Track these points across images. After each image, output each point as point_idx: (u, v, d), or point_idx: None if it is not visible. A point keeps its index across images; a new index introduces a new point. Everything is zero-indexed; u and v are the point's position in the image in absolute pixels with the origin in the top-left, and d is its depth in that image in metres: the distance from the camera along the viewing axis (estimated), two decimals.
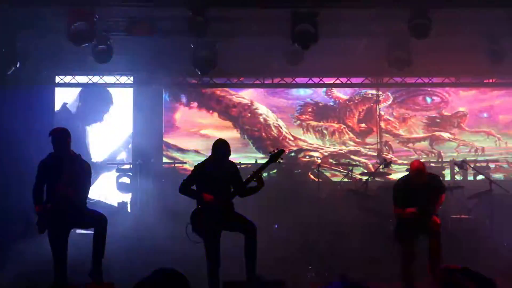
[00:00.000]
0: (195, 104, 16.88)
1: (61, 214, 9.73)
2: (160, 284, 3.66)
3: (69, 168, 9.88)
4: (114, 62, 15.14)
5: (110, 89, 16.89)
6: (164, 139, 16.64)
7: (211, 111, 16.88)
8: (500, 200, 14.58)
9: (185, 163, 16.59)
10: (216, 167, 10.32)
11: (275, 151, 10.59)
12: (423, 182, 10.92)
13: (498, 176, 16.59)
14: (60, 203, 9.75)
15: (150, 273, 3.77)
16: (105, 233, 10.00)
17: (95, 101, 16.85)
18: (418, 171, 10.88)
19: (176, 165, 16.64)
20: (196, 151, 16.63)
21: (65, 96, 16.76)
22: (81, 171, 9.99)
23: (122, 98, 16.85)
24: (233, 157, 15.33)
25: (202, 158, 16.06)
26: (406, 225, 10.94)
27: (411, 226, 10.87)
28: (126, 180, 15.65)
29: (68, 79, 16.58)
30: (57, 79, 16.57)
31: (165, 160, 16.63)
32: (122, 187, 15.49)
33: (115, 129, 16.71)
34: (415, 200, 10.89)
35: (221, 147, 10.42)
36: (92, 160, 16.11)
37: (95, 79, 16.54)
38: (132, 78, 16.63)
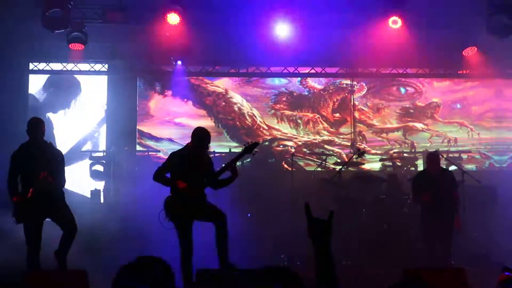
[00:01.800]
0: (169, 92, 16.82)
1: (39, 203, 9.93)
2: (144, 269, 3.66)
3: (45, 156, 10.10)
4: (89, 49, 15.12)
5: (84, 77, 16.77)
6: (138, 127, 16.57)
7: (185, 100, 16.83)
8: (472, 191, 14.68)
9: (159, 151, 16.54)
10: (193, 156, 10.28)
11: (250, 142, 10.55)
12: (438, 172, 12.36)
13: (470, 166, 16.69)
14: (42, 190, 9.94)
15: (134, 259, 3.76)
16: (73, 238, 10.25)
17: (62, 89, 16.70)
18: (433, 161, 12.33)
19: (150, 153, 16.59)
20: (170, 140, 16.59)
21: (38, 83, 16.63)
22: (55, 159, 10.24)
23: (96, 85, 16.74)
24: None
25: (176, 147, 16.14)
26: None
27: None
28: (99, 168, 15.59)
29: (42, 66, 16.48)
30: (31, 66, 16.47)
31: (139, 148, 16.58)
32: (95, 175, 15.43)
33: (88, 117, 16.59)
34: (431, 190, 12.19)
35: (205, 136, 10.34)
36: None
37: (70, 66, 16.46)
38: (106, 65, 16.56)
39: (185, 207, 10.08)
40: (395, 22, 14.54)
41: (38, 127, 10.27)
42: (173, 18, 14.21)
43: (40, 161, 10.07)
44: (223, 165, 10.39)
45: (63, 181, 10.43)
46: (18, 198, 10.02)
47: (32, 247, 10.09)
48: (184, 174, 10.14)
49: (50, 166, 10.17)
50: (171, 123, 16.70)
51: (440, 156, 15.72)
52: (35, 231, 10.10)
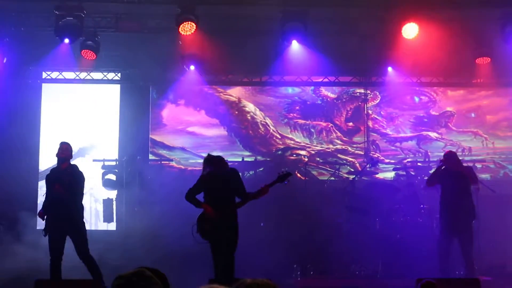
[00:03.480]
0: (182, 101, 16.79)
1: (57, 220, 10.89)
2: (140, 279, 3.64)
3: (65, 177, 11.03)
4: (102, 58, 15.14)
5: (98, 86, 16.78)
6: (151, 136, 16.54)
7: (198, 109, 16.80)
8: (487, 200, 14.61)
9: (172, 160, 16.53)
10: (213, 178, 10.89)
11: (285, 172, 11.07)
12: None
13: (485, 176, 16.58)
14: (53, 199, 10.93)
15: (132, 269, 3.75)
16: (93, 263, 10.98)
17: None
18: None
19: (162, 162, 16.57)
20: (183, 149, 16.57)
21: (52, 92, 16.64)
22: (74, 180, 11.08)
23: (109, 94, 16.73)
24: (220, 155, 15.39)
25: (189, 156, 16.23)
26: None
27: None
28: (112, 177, 15.61)
29: (55, 75, 16.49)
30: (44, 74, 16.49)
31: (151, 157, 16.56)
32: (107, 184, 15.44)
33: (102, 126, 16.59)
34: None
35: (208, 161, 11.12)
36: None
37: (82, 75, 16.47)
38: (119, 74, 16.56)
39: (212, 229, 10.70)
40: (408, 32, 14.49)
41: (61, 150, 11.27)
42: (187, 27, 14.20)
43: (57, 181, 11.00)
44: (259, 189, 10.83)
45: (78, 201, 11.20)
46: (39, 214, 11.12)
47: (54, 258, 10.88)
48: (211, 196, 10.91)
49: (66, 185, 10.96)
50: (184, 132, 16.67)
51: None
52: (55, 244, 10.90)
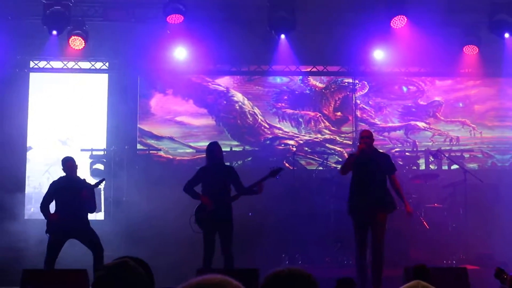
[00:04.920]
0: (170, 90, 16.74)
1: (64, 223, 11.43)
2: (123, 270, 3.63)
3: (76, 188, 11.60)
4: (90, 47, 15.08)
5: (85, 75, 16.71)
6: (139, 126, 16.49)
7: (186, 98, 16.75)
8: (474, 190, 14.68)
9: (160, 150, 16.50)
10: (212, 169, 11.61)
11: (276, 167, 11.76)
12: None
13: (472, 166, 16.64)
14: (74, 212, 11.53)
15: (116, 260, 3.74)
16: (103, 258, 11.43)
17: None
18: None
19: (151, 152, 16.55)
20: (171, 138, 16.52)
21: (39, 81, 16.56)
22: (84, 192, 11.57)
23: (97, 84, 16.67)
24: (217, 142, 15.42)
25: (177, 146, 16.19)
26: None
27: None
28: (100, 166, 15.61)
29: (42, 64, 16.41)
30: (32, 64, 16.41)
31: (139, 147, 16.52)
32: (95, 174, 15.41)
33: (90, 115, 16.53)
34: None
35: (212, 149, 11.82)
36: None
37: (70, 64, 16.38)
38: (107, 64, 16.50)
39: (210, 220, 11.32)
40: (397, 22, 14.50)
41: (72, 166, 11.86)
42: (174, 17, 14.16)
43: (69, 193, 11.55)
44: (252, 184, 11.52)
45: (91, 208, 11.89)
46: (52, 216, 11.63)
47: (49, 256, 11.41)
48: (208, 186, 11.56)
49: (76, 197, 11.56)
50: (172, 121, 16.63)
51: (442, 155, 15.80)
52: (60, 245, 11.54)
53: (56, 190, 11.77)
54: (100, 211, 15.26)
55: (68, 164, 11.83)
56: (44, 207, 11.69)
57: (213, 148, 11.80)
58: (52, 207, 11.83)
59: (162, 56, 15.68)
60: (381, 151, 12.24)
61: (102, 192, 15.45)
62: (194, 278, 3.10)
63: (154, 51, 15.47)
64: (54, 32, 14.11)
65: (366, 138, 11.17)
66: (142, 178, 15.03)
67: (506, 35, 14.83)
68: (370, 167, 11.08)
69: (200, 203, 11.53)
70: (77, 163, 12.02)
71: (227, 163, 13.12)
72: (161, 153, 16.45)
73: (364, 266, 11.00)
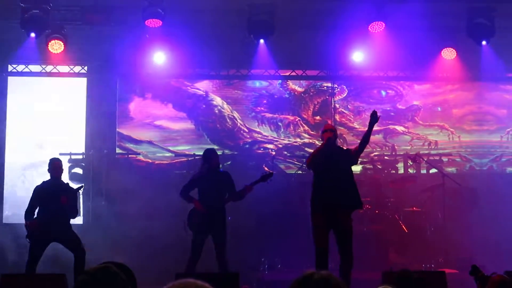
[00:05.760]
0: (149, 95, 16.71)
1: (46, 228, 11.49)
2: (105, 276, 3.62)
3: (58, 194, 11.63)
4: (68, 51, 15.02)
5: (64, 79, 16.63)
6: (118, 130, 16.45)
7: (165, 102, 16.73)
8: (453, 194, 14.75)
9: (139, 153, 16.46)
10: (208, 175, 11.84)
11: (267, 172, 12.45)
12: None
13: (450, 169, 16.72)
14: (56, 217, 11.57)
15: (98, 265, 3.74)
16: (84, 260, 11.47)
17: None
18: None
19: (129, 156, 16.51)
20: (150, 142, 16.48)
21: (17, 85, 16.47)
22: (65, 197, 11.63)
23: (76, 88, 16.59)
24: (188, 149, 15.44)
25: (156, 149, 16.18)
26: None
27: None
28: (78, 170, 15.57)
29: (21, 68, 16.32)
30: (10, 67, 16.32)
31: (118, 151, 16.48)
32: (74, 177, 15.35)
33: (68, 119, 16.44)
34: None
35: (210, 157, 12.04)
36: None
37: (49, 68, 16.31)
38: (86, 67, 16.44)
39: (202, 224, 11.57)
40: (375, 27, 14.55)
41: (59, 167, 11.97)
42: (153, 21, 14.14)
43: (54, 196, 11.58)
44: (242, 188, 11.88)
45: (73, 212, 11.93)
46: (32, 224, 11.59)
47: (31, 261, 11.47)
48: (204, 192, 11.80)
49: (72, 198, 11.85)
50: (151, 125, 16.60)
51: (421, 159, 15.87)
52: (42, 250, 11.58)
53: (40, 194, 11.77)
54: (79, 215, 15.21)
55: (55, 164, 11.91)
56: (29, 212, 11.73)
57: (210, 154, 12.05)
58: None
59: (141, 60, 15.63)
60: (344, 147, 12.20)
61: (81, 196, 15.38)
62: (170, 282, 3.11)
63: (133, 55, 15.42)
64: (33, 35, 14.06)
65: (330, 131, 10.74)
66: (121, 182, 14.97)
67: (484, 42, 14.94)
68: (334, 163, 10.49)
69: (193, 207, 11.75)
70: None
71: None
72: (140, 157, 16.41)
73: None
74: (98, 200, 15.29)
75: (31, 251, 11.52)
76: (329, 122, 16.52)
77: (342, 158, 10.66)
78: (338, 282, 3.37)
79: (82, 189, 12.49)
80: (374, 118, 10.45)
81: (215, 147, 16.11)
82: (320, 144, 14.86)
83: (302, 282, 3.34)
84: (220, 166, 12.70)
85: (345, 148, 11.66)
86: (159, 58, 15.63)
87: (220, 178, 11.87)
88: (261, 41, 14.90)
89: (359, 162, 14.37)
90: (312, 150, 16.09)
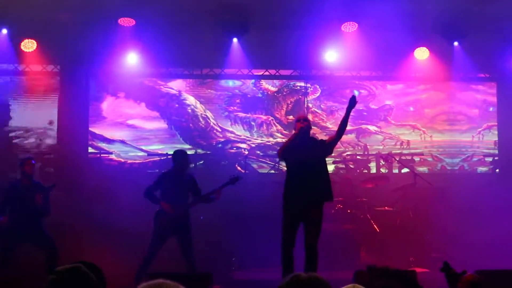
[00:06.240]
0: (122, 94, 16.67)
1: (18, 228, 11.51)
2: (75, 276, 3.61)
3: (30, 193, 11.65)
4: (41, 50, 14.95)
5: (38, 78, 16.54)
6: (90, 129, 16.39)
7: (138, 101, 16.69)
8: (424, 193, 14.82)
9: (111, 153, 16.41)
10: (175, 176, 11.80)
11: (235, 175, 12.01)
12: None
13: (422, 169, 16.81)
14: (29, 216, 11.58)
15: (69, 265, 3.73)
16: (57, 259, 11.40)
17: None
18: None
19: (102, 155, 16.45)
20: (123, 142, 16.44)
21: None
22: (38, 196, 11.66)
23: (48, 87, 16.50)
24: (161, 148, 15.40)
25: (128, 149, 16.10)
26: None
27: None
28: (50, 170, 15.49)
29: None
30: None
31: (91, 150, 16.41)
32: (46, 177, 15.26)
33: (41, 118, 16.35)
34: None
35: (181, 158, 11.95)
36: None
37: (21, 67, 16.21)
38: (58, 67, 16.35)
39: (166, 224, 11.55)
40: (348, 27, 14.61)
41: (32, 166, 11.94)
42: (126, 20, 14.11)
43: (26, 195, 11.61)
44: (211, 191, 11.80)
45: (46, 211, 11.83)
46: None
47: (1, 261, 11.43)
48: (167, 193, 11.70)
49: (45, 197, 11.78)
50: (124, 124, 16.55)
51: (393, 158, 15.94)
52: (6, 250, 11.52)
53: (13, 193, 11.72)
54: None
55: (28, 163, 11.90)
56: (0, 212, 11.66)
57: (177, 156, 11.98)
58: None
59: (114, 59, 15.58)
60: (319, 138, 11.57)
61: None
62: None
63: (106, 54, 15.36)
64: (4, 31, 14.01)
65: (302, 120, 10.47)
66: (93, 181, 14.91)
67: (456, 43, 15.05)
68: (306, 154, 10.19)
69: (159, 208, 11.69)
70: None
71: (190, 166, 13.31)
72: (113, 156, 16.36)
73: (291, 268, 10.12)
74: (70, 199, 15.20)
75: (1, 252, 11.50)
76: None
77: (314, 149, 10.34)
78: (327, 284, 3.40)
79: (53, 188, 12.40)
80: (352, 102, 10.24)
81: (188, 146, 16.17)
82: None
83: (291, 284, 3.36)
84: (192, 165, 12.66)
85: (319, 138, 11.31)
86: (132, 57, 15.61)
87: (185, 181, 11.82)
88: (235, 40, 14.94)
89: (331, 162, 14.49)
90: None
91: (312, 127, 14.84)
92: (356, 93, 10.53)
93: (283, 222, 10.32)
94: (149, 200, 11.74)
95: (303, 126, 10.32)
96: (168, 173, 11.94)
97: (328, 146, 10.50)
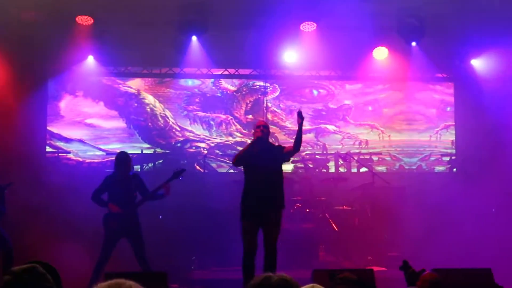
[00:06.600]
0: (80, 92, 16.55)
1: None
2: (31, 276, 3.58)
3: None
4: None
5: None
6: (48, 128, 16.25)
7: (97, 100, 16.59)
8: (382, 192, 14.92)
9: (69, 152, 16.29)
10: (121, 178, 11.71)
11: (179, 169, 11.80)
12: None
13: (381, 168, 16.92)
14: None
15: (24, 265, 3.70)
16: (13, 257, 11.38)
17: None
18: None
19: (60, 154, 16.32)
20: (81, 141, 16.32)
21: None
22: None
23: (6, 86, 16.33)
24: (119, 147, 15.33)
25: (87, 148, 16.00)
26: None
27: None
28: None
29: None
30: None
31: (48, 149, 16.27)
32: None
33: None
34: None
35: (123, 159, 11.85)
36: None
37: None
38: (16, 65, 16.17)
39: (116, 226, 11.47)
40: (307, 26, 14.65)
41: None
42: (85, 18, 14.03)
43: None
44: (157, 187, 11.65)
45: (2, 210, 11.73)
46: None
47: None
48: (114, 195, 11.63)
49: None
50: (82, 124, 16.43)
51: (352, 158, 16.02)
52: None
53: None
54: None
55: None
56: None
57: (120, 158, 11.89)
58: None
59: (73, 58, 15.45)
60: (276, 144, 11.99)
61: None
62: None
63: (64, 53, 15.22)
64: None
65: (262, 127, 10.50)
66: (51, 181, 14.80)
67: (413, 43, 15.17)
68: (264, 161, 10.29)
69: (108, 210, 11.62)
70: None
71: (136, 167, 13.79)
72: (71, 155, 16.23)
73: (252, 272, 10.13)
74: (27, 198, 15.06)
75: None
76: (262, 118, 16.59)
77: (271, 156, 10.40)
78: (296, 284, 3.40)
79: (9, 186, 12.28)
80: (300, 117, 10.32)
81: (147, 145, 16.13)
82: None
83: (261, 285, 3.35)
84: (144, 167, 12.61)
85: (276, 145, 11.32)
86: (91, 56, 15.50)
87: (131, 181, 11.73)
88: (194, 39, 14.89)
89: (290, 161, 14.47)
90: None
91: (271, 126, 14.99)
92: (301, 112, 10.30)
93: (242, 228, 10.36)
94: (96, 203, 11.70)
95: (260, 135, 10.42)
96: (112, 175, 11.85)
97: (286, 155, 10.61)
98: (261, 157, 10.31)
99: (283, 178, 10.55)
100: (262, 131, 10.43)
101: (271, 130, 11.26)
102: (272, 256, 10.22)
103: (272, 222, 10.23)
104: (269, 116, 16.96)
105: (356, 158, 16.37)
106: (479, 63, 16.37)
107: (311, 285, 3.78)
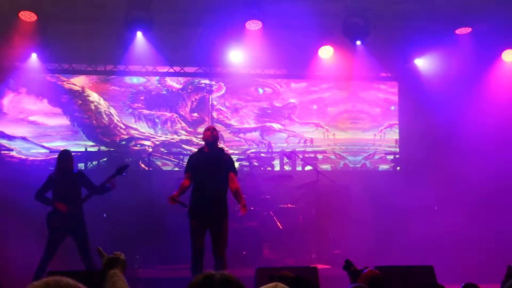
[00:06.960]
0: (24, 89, 16.36)
1: None
2: None
3: None
4: None
5: None
6: None
7: (40, 97, 16.41)
8: (327, 191, 14.99)
9: (12, 150, 16.10)
10: (64, 177, 11.61)
11: (122, 164, 11.72)
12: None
13: (325, 166, 17.03)
14: None
15: None
16: None
17: None
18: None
19: (2, 152, 16.12)
20: (24, 138, 16.14)
21: None
22: None
23: None
24: (63, 145, 15.19)
25: (30, 145, 15.82)
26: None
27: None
28: None
29: None
30: None
31: None
32: None
33: None
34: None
35: (64, 158, 11.76)
36: None
37: None
38: None
39: (61, 225, 11.34)
40: (252, 25, 14.67)
41: None
42: (28, 15, 13.88)
43: None
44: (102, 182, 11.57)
45: None
46: None
47: None
48: (59, 193, 11.56)
49: None
50: (25, 121, 16.25)
51: (296, 156, 16.09)
52: None
53: None
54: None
55: None
56: None
57: (62, 157, 11.78)
58: None
59: (15, 54, 15.26)
60: (226, 152, 11.95)
61: None
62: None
63: (6, 49, 15.03)
64: None
65: (212, 130, 10.76)
66: None
67: (358, 42, 15.28)
68: (211, 166, 10.43)
69: (52, 209, 11.50)
70: None
71: (81, 165, 13.77)
72: (13, 153, 16.05)
73: (201, 270, 9.87)
74: None
75: None
76: (207, 119, 16.59)
77: (219, 164, 10.52)
78: (239, 282, 3.39)
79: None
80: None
81: (91, 143, 16.01)
82: (197, 142, 15.07)
83: (203, 283, 3.33)
84: (89, 165, 12.54)
85: (226, 156, 11.01)
86: (34, 52, 15.34)
87: (74, 178, 11.68)
88: (139, 36, 14.80)
89: (236, 159, 14.48)
90: (188, 147, 16.20)
91: (217, 124, 14.98)
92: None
93: (190, 226, 10.40)
94: (41, 202, 11.59)
95: (214, 133, 10.71)
96: (54, 174, 11.76)
97: (228, 173, 10.56)
98: (209, 164, 10.48)
99: (227, 187, 10.55)
100: (212, 134, 10.69)
101: (216, 128, 11.24)
102: (220, 264, 10.23)
103: (218, 231, 10.33)
104: (215, 114, 16.96)
105: (301, 157, 16.44)
106: (422, 63, 16.56)
107: (274, 283, 3.78)
